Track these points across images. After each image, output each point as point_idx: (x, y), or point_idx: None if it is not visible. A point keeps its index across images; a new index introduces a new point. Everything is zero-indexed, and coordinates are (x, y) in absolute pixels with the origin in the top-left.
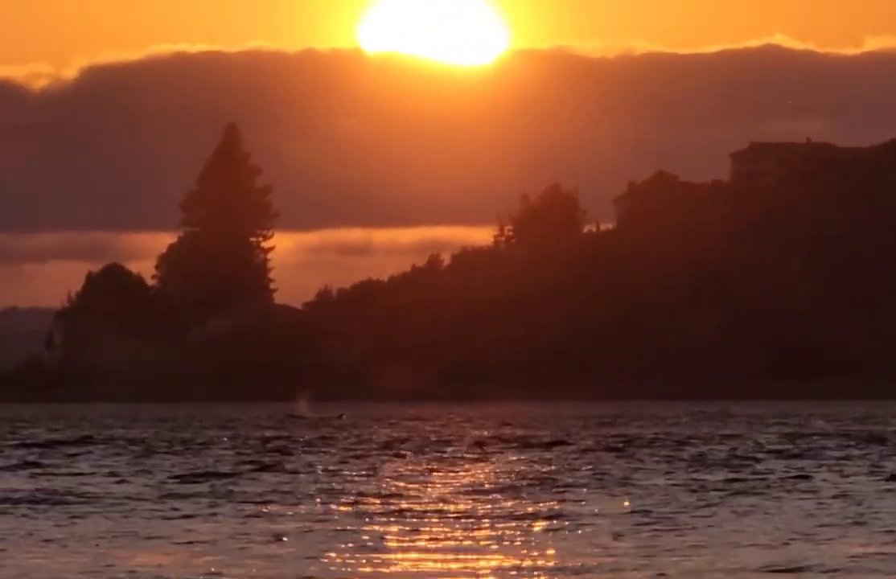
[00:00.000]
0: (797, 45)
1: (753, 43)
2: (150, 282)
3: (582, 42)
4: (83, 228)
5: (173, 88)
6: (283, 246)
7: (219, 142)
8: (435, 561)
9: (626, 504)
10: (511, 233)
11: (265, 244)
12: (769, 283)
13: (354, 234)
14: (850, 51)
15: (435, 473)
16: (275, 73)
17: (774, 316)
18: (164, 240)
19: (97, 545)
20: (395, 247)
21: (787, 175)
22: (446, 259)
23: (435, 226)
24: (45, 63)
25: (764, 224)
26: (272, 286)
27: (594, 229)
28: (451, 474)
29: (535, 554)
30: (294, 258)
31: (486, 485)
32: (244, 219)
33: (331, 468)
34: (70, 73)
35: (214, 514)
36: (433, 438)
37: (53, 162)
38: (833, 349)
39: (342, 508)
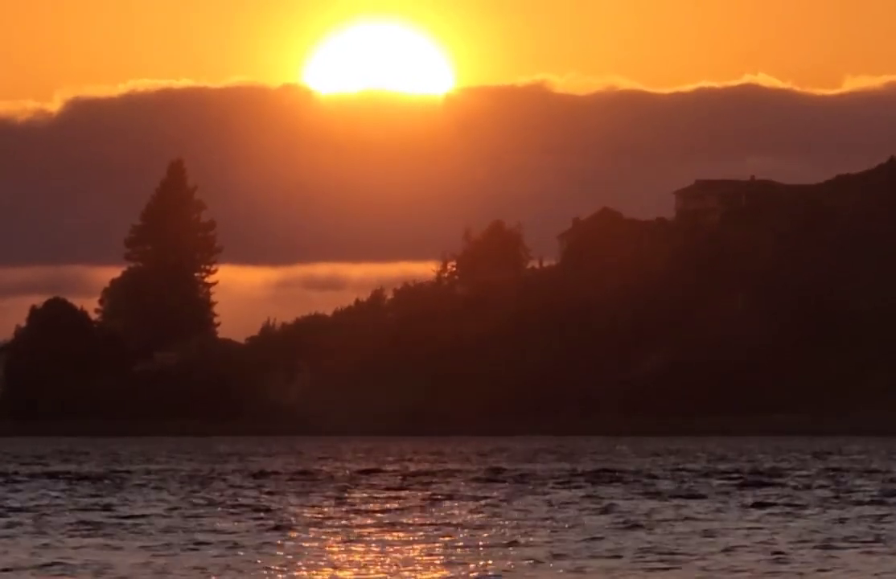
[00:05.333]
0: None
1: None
2: (94, 316)
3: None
4: (27, 262)
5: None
6: (228, 280)
7: (164, 176)
8: None
9: None
10: (454, 269)
11: (209, 278)
12: (713, 321)
13: (299, 270)
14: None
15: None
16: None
17: (719, 352)
18: (109, 275)
19: None
20: (339, 281)
21: (731, 212)
22: (389, 294)
23: (378, 262)
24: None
25: (708, 261)
26: (216, 321)
27: (537, 265)
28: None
29: None
30: (239, 292)
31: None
32: (188, 254)
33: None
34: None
35: None
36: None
37: (18, 196)
38: (777, 385)
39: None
